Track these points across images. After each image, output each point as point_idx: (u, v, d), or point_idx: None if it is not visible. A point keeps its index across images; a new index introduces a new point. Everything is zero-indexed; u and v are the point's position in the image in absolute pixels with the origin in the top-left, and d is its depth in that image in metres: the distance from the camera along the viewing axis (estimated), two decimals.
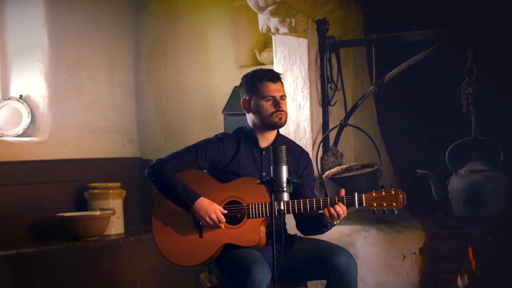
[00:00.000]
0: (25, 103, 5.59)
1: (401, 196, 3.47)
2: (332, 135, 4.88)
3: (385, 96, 5.05)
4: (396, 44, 4.70)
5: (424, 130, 5.20)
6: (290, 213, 3.53)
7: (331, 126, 4.90)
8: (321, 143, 4.87)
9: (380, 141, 5.26)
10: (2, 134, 5.50)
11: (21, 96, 5.62)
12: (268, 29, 4.89)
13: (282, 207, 3.15)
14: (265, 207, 3.52)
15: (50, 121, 5.61)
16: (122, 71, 6.18)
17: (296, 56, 4.89)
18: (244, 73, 3.81)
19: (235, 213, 3.58)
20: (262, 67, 4.14)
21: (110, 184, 5.40)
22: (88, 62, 5.90)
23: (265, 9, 4.68)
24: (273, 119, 3.66)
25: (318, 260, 3.50)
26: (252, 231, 3.54)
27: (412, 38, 4.56)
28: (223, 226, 3.56)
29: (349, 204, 3.48)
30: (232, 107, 5.27)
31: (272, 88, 3.67)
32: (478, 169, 4.30)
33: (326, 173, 4.67)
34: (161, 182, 3.60)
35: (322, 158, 4.84)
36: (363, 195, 3.47)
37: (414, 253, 4.77)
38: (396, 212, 3.47)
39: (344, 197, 3.48)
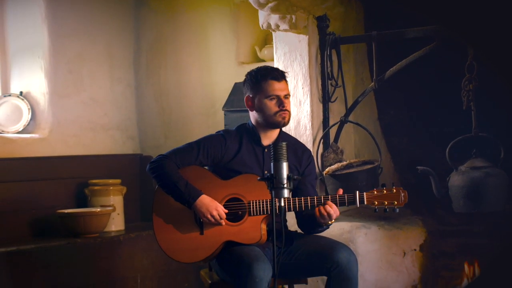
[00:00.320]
0: (25, 100, 5.59)
1: (402, 194, 3.47)
2: (333, 132, 4.88)
3: (385, 92, 5.05)
4: (397, 41, 4.69)
5: (424, 127, 5.19)
6: (291, 210, 3.53)
7: (331, 122, 4.90)
8: (322, 140, 4.87)
9: (381, 137, 5.26)
10: (2, 131, 5.50)
11: (21, 92, 5.62)
12: (269, 25, 4.88)
13: (282, 204, 3.14)
14: (266, 204, 3.52)
15: (50, 118, 5.61)
16: (122, 67, 6.18)
17: (297, 53, 4.88)
18: (245, 70, 3.81)
19: (236, 210, 3.58)
20: (263, 63, 4.14)
21: (111, 181, 5.41)
22: (88, 59, 5.90)
23: (265, 6, 4.67)
24: (276, 118, 3.66)
25: (319, 256, 3.50)
26: (253, 229, 3.54)
27: (412, 35, 4.56)
28: (224, 224, 3.56)
29: (351, 202, 3.48)
30: (232, 103, 5.26)
31: (277, 87, 3.66)
32: (479, 165, 4.29)
33: (327, 169, 4.67)
34: (162, 178, 3.60)
35: (322, 155, 4.84)
36: (365, 193, 3.47)
37: (415, 249, 4.77)
38: (398, 210, 3.47)
39: (346, 195, 3.48)
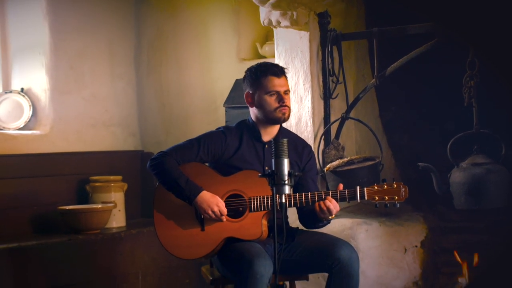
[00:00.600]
0: (26, 96, 5.59)
1: (403, 189, 3.47)
2: (334, 128, 4.88)
3: (386, 89, 5.05)
4: (398, 37, 4.69)
5: (425, 123, 5.19)
6: (291, 206, 3.54)
7: (332, 119, 4.90)
8: (323, 136, 4.87)
9: (382, 134, 5.26)
10: (4, 127, 5.50)
11: (22, 89, 5.62)
12: (270, 22, 4.88)
13: (283, 200, 3.14)
14: (267, 200, 3.52)
15: (51, 114, 5.61)
16: (123, 64, 6.17)
17: (298, 49, 4.88)
18: (246, 67, 3.81)
19: (237, 207, 3.58)
20: (264, 60, 4.13)
21: (112, 177, 5.41)
22: (89, 55, 5.90)
23: (266, 2, 4.67)
24: (276, 114, 3.66)
25: (320, 253, 3.51)
26: (254, 225, 3.54)
27: (413, 31, 4.55)
28: (225, 219, 3.56)
29: (351, 197, 3.48)
30: (233, 100, 5.26)
31: (277, 82, 3.66)
32: (480, 162, 4.29)
33: (328, 166, 4.66)
34: (163, 175, 3.60)
35: (323, 151, 4.84)
36: (365, 188, 3.47)
37: (416, 246, 4.77)
38: (398, 205, 3.47)
39: (346, 190, 3.48)
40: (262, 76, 3.67)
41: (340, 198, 3.49)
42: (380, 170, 4.65)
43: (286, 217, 3.77)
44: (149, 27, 6.24)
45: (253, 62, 3.88)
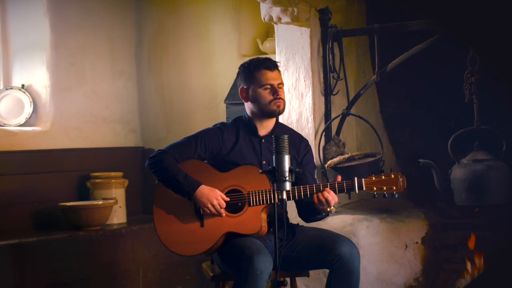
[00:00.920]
0: (27, 93, 5.59)
1: (400, 179, 3.48)
2: (334, 125, 4.88)
3: (387, 85, 5.04)
4: (399, 34, 4.68)
5: (426, 120, 5.19)
6: (290, 199, 3.54)
7: (333, 115, 4.90)
8: (323, 133, 4.87)
9: (383, 130, 5.25)
10: (4, 124, 5.50)
11: (23, 85, 5.61)
12: (270, 18, 4.87)
13: (284, 197, 3.14)
14: (266, 194, 3.53)
15: (52, 111, 5.60)
16: (124, 60, 6.16)
17: (298, 46, 4.87)
18: None
19: (236, 202, 3.58)
20: (264, 56, 4.13)
21: (112, 174, 5.41)
22: (90, 51, 5.89)
23: None
24: (271, 107, 3.67)
25: (321, 249, 3.51)
26: (253, 219, 3.54)
27: (414, 28, 4.55)
28: (224, 214, 3.56)
29: (349, 188, 3.49)
30: (234, 96, 5.26)
31: (270, 76, 3.68)
32: (481, 158, 4.29)
33: (328, 162, 4.66)
34: (162, 173, 3.61)
35: (324, 148, 4.84)
36: (363, 179, 3.48)
37: (417, 242, 4.77)
38: (397, 195, 3.48)
39: (344, 182, 3.49)
40: (256, 70, 3.69)
41: (338, 190, 3.49)
42: (381, 166, 4.64)
43: (286, 212, 3.77)
44: (150, 23, 6.23)
45: None
